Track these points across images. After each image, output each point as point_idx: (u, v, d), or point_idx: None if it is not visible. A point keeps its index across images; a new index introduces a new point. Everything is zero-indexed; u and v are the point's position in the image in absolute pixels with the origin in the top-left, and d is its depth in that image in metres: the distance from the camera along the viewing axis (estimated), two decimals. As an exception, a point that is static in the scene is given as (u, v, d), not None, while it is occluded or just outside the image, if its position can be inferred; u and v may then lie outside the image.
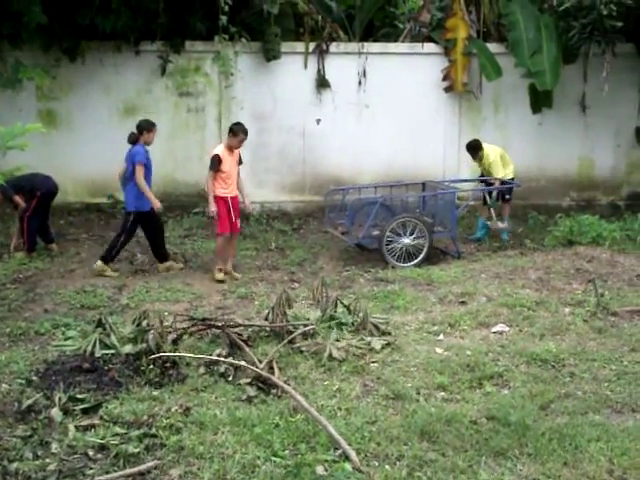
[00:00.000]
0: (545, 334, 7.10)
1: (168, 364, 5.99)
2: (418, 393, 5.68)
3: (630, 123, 13.37)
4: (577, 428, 5.05)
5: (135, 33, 12.10)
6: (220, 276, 9.28)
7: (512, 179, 11.43)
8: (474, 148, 11.21)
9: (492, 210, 11.34)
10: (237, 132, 9.36)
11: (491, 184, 11.31)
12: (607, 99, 12.47)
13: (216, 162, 9.27)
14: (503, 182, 11.28)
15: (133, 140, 9.58)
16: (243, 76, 12.76)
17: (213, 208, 9.28)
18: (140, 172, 9.34)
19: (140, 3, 11.54)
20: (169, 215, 12.31)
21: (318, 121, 13.08)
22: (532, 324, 7.38)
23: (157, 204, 9.42)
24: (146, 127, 9.56)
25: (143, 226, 9.71)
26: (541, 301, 8.14)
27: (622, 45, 12.33)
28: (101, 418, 5.08)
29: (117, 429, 4.91)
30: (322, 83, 12.95)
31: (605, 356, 6.51)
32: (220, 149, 9.41)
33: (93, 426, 4.96)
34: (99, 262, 9.41)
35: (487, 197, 11.36)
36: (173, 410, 5.18)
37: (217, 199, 9.33)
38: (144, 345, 6.17)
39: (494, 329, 7.27)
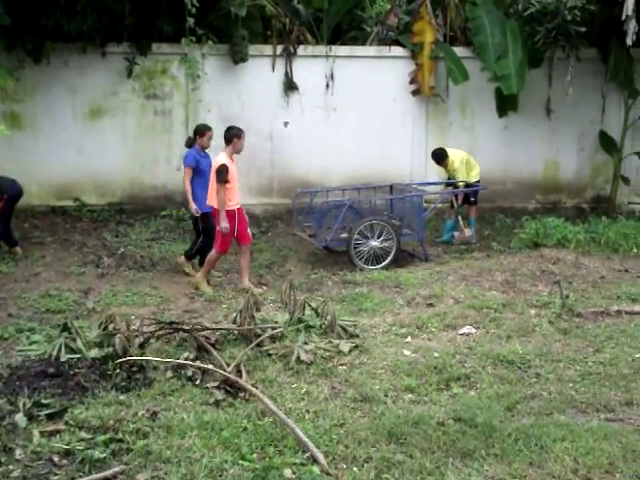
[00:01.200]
0: (511, 336, 7.16)
1: (135, 368, 5.94)
2: (386, 395, 5.69)
3: (594, 127, 13.54)
4: (542, 428, 5.10)
5: (101, 34, 12.01)
6: (206, 287, 8.97)
7: (477, 182, 11.53)
8: (439, 156, 11.33)
9: (460, 218, 11.43)
10: (240, 133, 8.91)
11: (457, 187, 11.41)
12: (571, 103, 12.64)
13: (225, 172, 8.63)
14: (468, 185, 11.37)
15: (189, 143, 9.54)
16: (210, 79, 12.72)
17: (225, 224, 8.66)
18: (187, 174, 9.32)
19: (106, 4, 11.43)
20: (136, 218, 12.25)
21: (286, 124, 13.07)
22: (499, 326, 7.44)
23: (192, 207, 9.25)
24: (199, 130, 9.46)
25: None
26: (507, 303, 8.21)
27: (586, 50, 12.49)
28: (66, 423, 5.01)
29: (83, 434, 4.85)
30: (290, 86, 12.95)
31: (570, 357, 6.59)
32: (224, 158, 8.74)
33: (58, 431, 4.89)
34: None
35: (454, 203, 11.44)
36: (140, 414, 5.14)
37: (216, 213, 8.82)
38: (110, 349, 6.10)
39: (461, 331, 7.31)
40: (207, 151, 9.52)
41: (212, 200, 8.81)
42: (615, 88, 13.25)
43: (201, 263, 9.45)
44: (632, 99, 13.08)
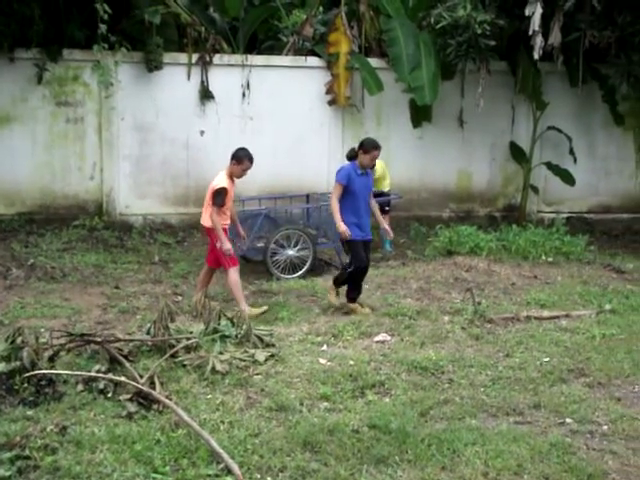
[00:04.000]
0: (425, 342, 7.27)
1: (44, 382, 5.75)
2: (301, 404, 5.68)
3: (505, 137, 13.92)
4: (455, 433, 5.18)
5: (9, 39, 11.68)
6: (255, 311, 8.32)
7: (389, 191, 11.71)
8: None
9: None
10: (242, 159, 8.35)
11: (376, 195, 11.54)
12: (483, 114, 12.97)
13: (224, 196, 8.18)
14: (382, 194, 11.52)
15: (350, 156, 8.43)
16: (124, 86, 12.53)
17: (228, 246, 8.14)
18: (336, 191, 8.19)
19: (14, 9, 11.15)
20: (47, 228, 11.94)
21: (202, 133, 12.98)
22: (413, 333, 7.54)
23: (341, 228, 8.08)
24: (366, 147, 8.24)
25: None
26: (422, 310, 8.34)
27: (496, 63, 12.85)
28: (-30, 441, 4.84)
29: (-13, 452, 4.69)
30: (206, 95, 12.87)
31: (482, 362, 6.72)
32: (224, 180, 8.26)
33: (-39, 449, 4.72)
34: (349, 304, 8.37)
35: None
36: (48, 430, 4.98)
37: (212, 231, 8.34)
38: (18, 363, 5.89)
39: (376, 338, 7.38)
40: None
41: (205, 220, 8.37)
42: (524, 100, 13.67)
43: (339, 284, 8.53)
44: (540, 111, 13.51)
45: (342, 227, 8.05)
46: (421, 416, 5.54)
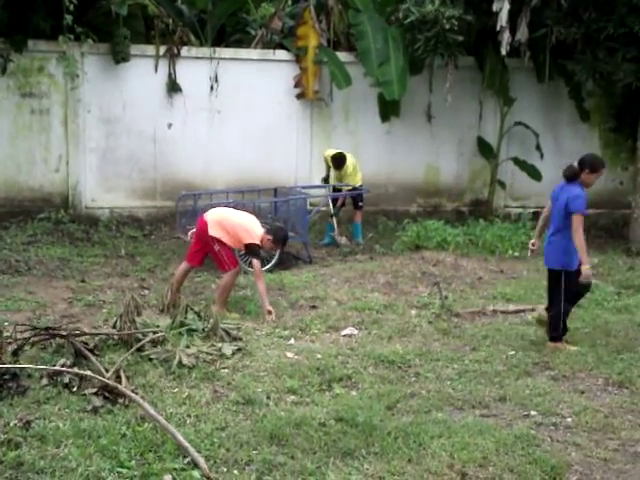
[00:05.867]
0: (393, 336, 7.32)
1: (7, 376, 5.66)
2: (268, 397, 5.69)
3: (472, 132, 13.99)
4: (421, 426, 5.21)
5: (-28, 29, 11.49)
6: (228, 314, 7.97)
7: (361, 186, 11.75)
8: (340, 161, 11.45)
9: (334, 220, 11.62)
10: (277, 239, 8.17)
11: (339, 190, 11.60)
12: (451, 109, 13.03)
13: (259, 250, 8.16)
14: (353, 189, 11.56)
15: (570, 175, 7.00)
16: (90, 78, 12.38)
17: (270, 312, 7.87)
18: (580, 224, 6.87)
19: (-24, -2, 10.97)
20: (11, 221, 11.78)
21: (169, 126, 12.87)
22: (380, 327, 7.58)
23: (586, 265, 6.84)
24: (592, 165, 6.97)
25: (555, 285, 7.07)
26: (389, 304, 8.38)
27: (464, 58, 12.91)
28: None
29: (-52, 448, 4.62)
30: (173, 87, 12.76)
31: (448, 356, 6.78)
32: (258, 236, 8.06)
33: None
34: (550, 343, 7.11)
35: (331, 205, 11.59)
36: (12, 424, 4.92)
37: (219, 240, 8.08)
38: (-19, 357, 5.85)
39: (344, 332, 7.41)
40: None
41: (215, 230, 8.08)
42: (491, 95, 13.74)
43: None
44: (507, 106, 13.60)
45: (589, 273, 6.88)
46: (388, 409, 5.58)
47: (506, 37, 11.92)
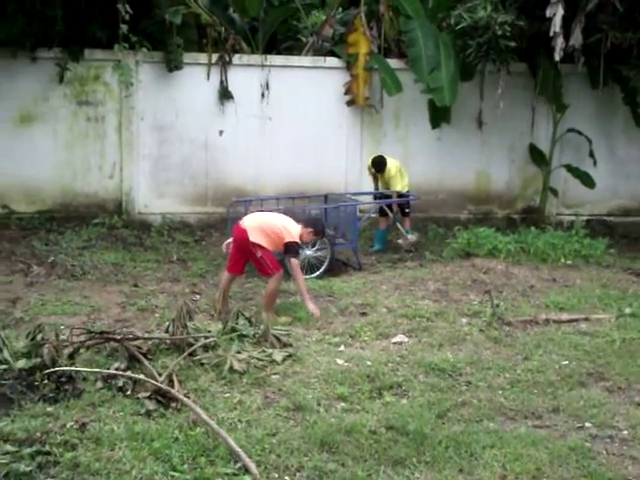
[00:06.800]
0: (443, 344, 7.26)
1: (64, 379, 5.80)
2: (319, 404, 5.70)
3: (524, 139, 13.84)
4: (472, 435, 5.17)
5: (31, 39, 11.75)
6: (279, 319, 8.06)
7: (408, 192, 11.70)
8: (380, 164, 11.43)
9: (399, 225, 11.59)
10: (316, 230, 8.40)
11: (389, 197, 11.56)
12: (502, 116, 12.90)
13: (298, 249, 8.38)
14: (400, 195, 11.52)
15: None
16: (144, 86, 12.60)
17: (313, 305, 8.20)
18: None
19: (36, 9, 11.22)
20: (67, 226, 12.02)
21: (221, 132, 13.01)
22: (431, 334, 7.53)
23: None
24: None
25: None
26: (439, 312, 8.32)
27: (516, 64, 12.76)
28: (-9, 436, 4.89)
29: (8, 447, 4.70)
30: (225, 95, 12.90)
31: (500, 365, 6.71)
32: (297, 235, 8.23)
33: (-18, 445, 4.76)
34: None
35: (388, 211, 11.55)
36: (68, 426, 5.02)
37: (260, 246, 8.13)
38: (38, 359, 5.95)
39: (394, 340, 7.38)
40: None
41: (256, 236, 8.12)
42: (544, 102, 13.58)
43: None
44: (560, 113, 13.43)
45: None
46: (438, 418, 5.54)
47: (560, 42, 11.76)
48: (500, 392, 6.11)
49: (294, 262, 8.14)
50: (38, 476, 4.44)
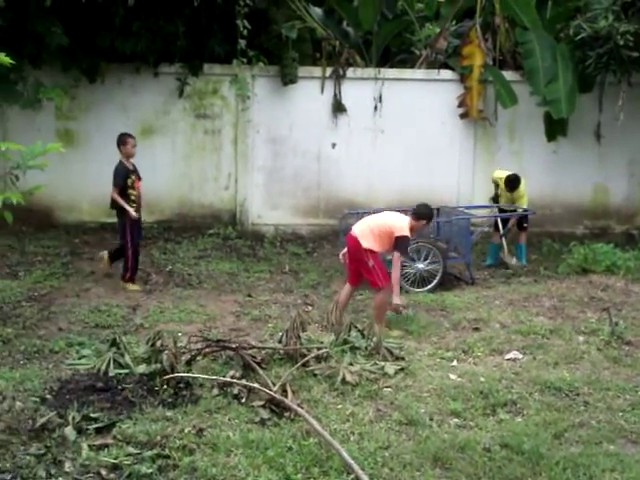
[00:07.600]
0: (559, 362, 7.08)
1: (182, 385, 6.00)
2: (431, 419, 5.66)
3: (644, 153, 13.38)
4: (591, 458, 5.02)
5: (154, 55, 12.22)
6: (390, 332, 7.99)
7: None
8: (514, 182, 11.09)
9: (504, 240, 11.37)
10: (424, 218, 8.30)
11: (505, 211, 11.35)
12: (622, 128, 12.51)
13: (407, 244, 8.24)
14: (514, 210, 11.31)
15: None
16: (260, 99, 12.88)
17: (400, 300, 8.12)
18: None
19: (160, 26, 11.65)
20: (184, 236, 12.38)
21: (333, 145, 13.14)
22: (546, 352, 7.35)
23: None
24: None
25: None
26: (555, 329, 8.11)
27: (638, 75, 12.35)
28: (114, 438, 5.08)
29: (130, 449, 4.91)
30: (338, 108, 13.03)
31: (619, 385, 6.48)
32: (407, 229, 8.05)
33: (106, 445, 4.96)
34: None
35: (500, 227, 11.34)
36: (186, 431, 5.18)
37: (372, 253, 8.06)
38: (158, 365, 6.18)
39: (508, 356, 7.25)
40: None
41: (367, 240, 8.04)
42: (667, 114, 13.08)
43: None
44: (684, 125, 12.91)
45: None
46: (555, 438, 5.41)
47: (686, 52, 11.33)
48: (620, 414, 5.90)
49: (397, 255, 7.98)
50: (158, 478, 4.60)
